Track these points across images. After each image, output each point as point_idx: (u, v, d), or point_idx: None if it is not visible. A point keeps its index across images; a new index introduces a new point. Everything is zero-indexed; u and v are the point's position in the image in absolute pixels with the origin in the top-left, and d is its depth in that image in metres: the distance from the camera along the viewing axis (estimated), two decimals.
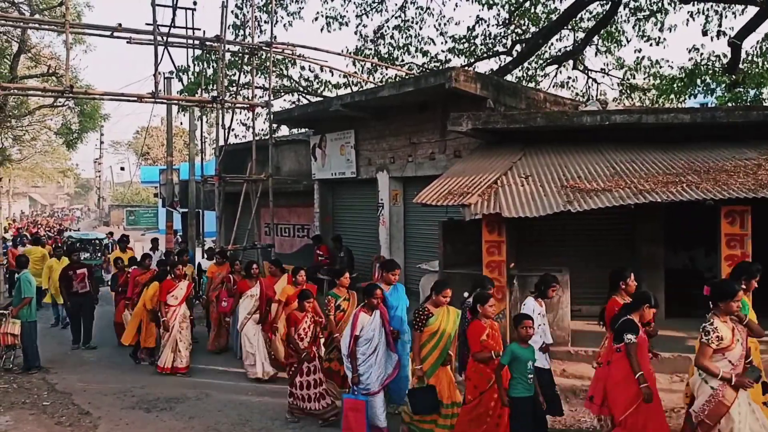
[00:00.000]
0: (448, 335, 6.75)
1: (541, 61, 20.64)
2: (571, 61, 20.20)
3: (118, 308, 12.03)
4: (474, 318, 6.53)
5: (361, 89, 17.38)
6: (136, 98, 13.46)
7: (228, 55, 15.62)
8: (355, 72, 19.92)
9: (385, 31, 20.14)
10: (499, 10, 19.49)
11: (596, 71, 21.17)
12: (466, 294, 7.34)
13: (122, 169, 67.79)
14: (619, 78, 20.76)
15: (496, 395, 6.17)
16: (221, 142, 15.49)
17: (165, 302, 10.16)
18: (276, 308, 9.71)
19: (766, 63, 16.80)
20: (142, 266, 11.78)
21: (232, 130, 16.31)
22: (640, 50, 28.50)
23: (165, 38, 13.33)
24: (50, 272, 13.67)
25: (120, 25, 12.91)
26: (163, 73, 17.76)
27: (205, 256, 14.59)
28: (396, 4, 20.04)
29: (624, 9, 18.53)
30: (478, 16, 19.55)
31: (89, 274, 12.42)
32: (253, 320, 9.93)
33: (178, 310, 10.22)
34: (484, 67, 24.96)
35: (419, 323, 6.76)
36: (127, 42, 13.32)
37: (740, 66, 16.16)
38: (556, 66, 20.63)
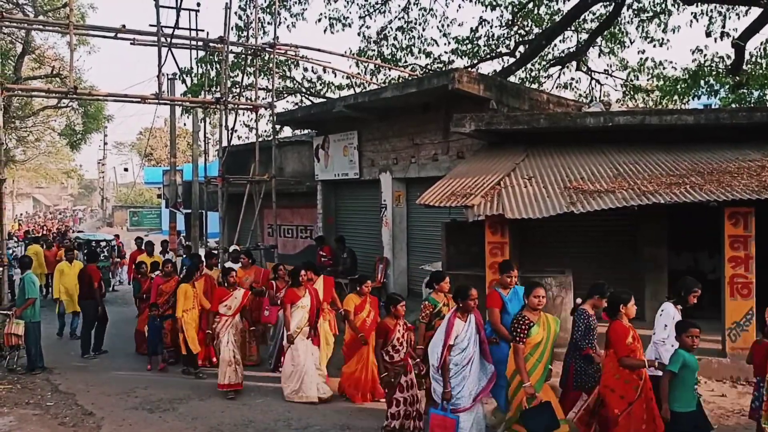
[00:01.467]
0: (551, 345, 6.24)
1: (544, 63, 20.62)
2: (574, 63, 20.17)
3: (142, 316, 11.44)
4: (614, 319, 5.96)
5: (364, 90, 17.38)
6: (139, 99, 13.47)
7: (231, 57, 15.63)
8: (358, 73, 19.93)
9: (389, 32, 20.16)
10: (502, 12, 19.49)
11: (600, 72, 21.15)
12: (578, 300, 6.89)
13: (126, 170, 68.01)
14: (622, 79, 20.75)
15: (645, 405, 5.64)
16: (224, 143, 15.50)
17: (216, 312, 9.32)
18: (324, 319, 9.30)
19: None
20: (165, 273, 11.09)
21: (235, 131, 16.33)
22: (643, 51, 28.43)
23: (169, 40, 13.35)
24: (61, 277, 12.86)
25: (124, 26, 12.93)
26: (167, 75, 17.83)
27: (229, 258, 13.21)
28: (399, 6, 20.08)
29: (627, 10, 18.51)
30: (481, 18, 19.49)
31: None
32: (302, 334, 8.81)
33: (230, 320, 9.29)
34: (487, 68, 25.00)
35: (521, 334, 6.11)
36: (131, 43, 13.34)
37: (744, 67, 16.12)
38: (560, 67, 20.60)
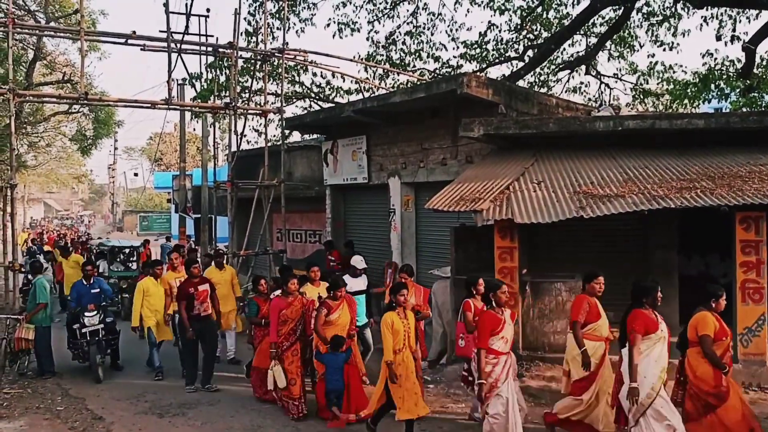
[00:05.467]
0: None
1: (553, 67, 20.58)
2: (583, 67, 20.13)
3: (262, 348, 8.96)
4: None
5: (372, 95, 17.40)
6: (149, 105, 13.53)
7: (240, 62, 15.69)
8: (367, 78, 19.96)
9: (397, 37, 20.18)
10: (511, 16, 19.49)
11: (609, 76, 21.10)
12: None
13: (136, 174, 68.36)
14: (632, 83, 20.70)
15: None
16: (234, 148, 15.55)
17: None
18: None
19: None
20: (285, 293, 8.56)
21: (245, 136, 16.41)
22: (653, 55, 28.48)
23: (178, 45, 13.42)
24: (146, 297, 10.58)
25: (134, 32, 12.99)
26: (177, 80, 17.93)
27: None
28: (408, 10, 20.07)
29: (637, 14, 18.46)
30: (489, 22, 19.46)
31: (212, 291, 9.93)
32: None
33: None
34: (496, 72, 24.86)
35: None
36: (141, 49, 13.40)
37: (755, 71, 16.04)
38: (569, 71, 20.57)
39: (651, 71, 19.54)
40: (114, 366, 10.88)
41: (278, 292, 9.01)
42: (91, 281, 10.80)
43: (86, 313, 10.31)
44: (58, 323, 11.92)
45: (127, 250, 18.08)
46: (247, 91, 17.16)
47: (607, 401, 6.74)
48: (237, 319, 11.42)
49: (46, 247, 24.71)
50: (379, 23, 20.01)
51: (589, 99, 21.00)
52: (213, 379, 9.67)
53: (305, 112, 19.96)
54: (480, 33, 19.84)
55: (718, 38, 16.42)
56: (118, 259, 17.69)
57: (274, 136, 18.45)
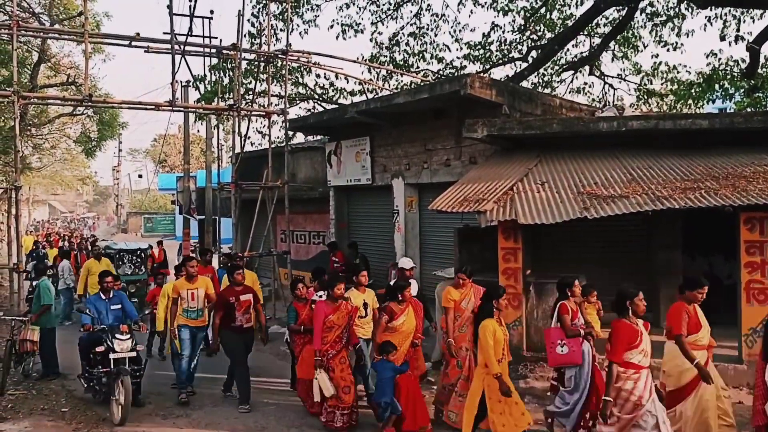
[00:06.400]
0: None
1: (557, 67, 20.57)
2: (587, 67, 20.11)
3: (304, 357, 8.25)
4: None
5: (376, 96, 17.41)
6: (153, 107, 13.57)
7: (244, 64, 15.73)
8: (371, 79, 19.97)
9: (401, 38, 20.19)
10: (514, 17, 19.47)
11: (613, 77, 21.07)
12: None
13: (140, 176, 68.46)
14: (636, 83, 20.65)
15: None
16: (237, 150, 15.57)
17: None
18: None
19: None
20: (331, 297, 7.72)
21: (248, 137, 16.38)
22: (657, 55, 28.45)
23: (182, 47, 13.45)
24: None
25: (138, 34, 13.04)
26: (181, 82, 17.92)
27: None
28: (411, 12, 20.06)
29: (641, 14, 18.42)
30: (493, 23, 19.45)
31: (255, 301, 9.11)
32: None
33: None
34: (500, 73, 24.87)
35: None
36: (145, 51, 13.44)
37: (759, 71, 15.99)
38: (572, 72, 20.56)
39: (655, 71, 19.51)
40: (134, 402, 8.39)
41: (321, 294, 8.39)
42: (111, 295, 9.10)
43: (118, 335, 8.44)
44: (68, 325, 11.53)
45: (135, 253, 17.47)
46: (250, 92, 17.19)
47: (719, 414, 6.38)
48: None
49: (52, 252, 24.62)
50: (383, 24, 20.03)
51: (593, 99, 21.00)
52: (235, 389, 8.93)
53: (309, 113, 19.97)
54: (483, 34, 19.92)
55: (722, 38, 16.37)
56: (126, 262, 17.19)
57: (278, 137, 18.55)
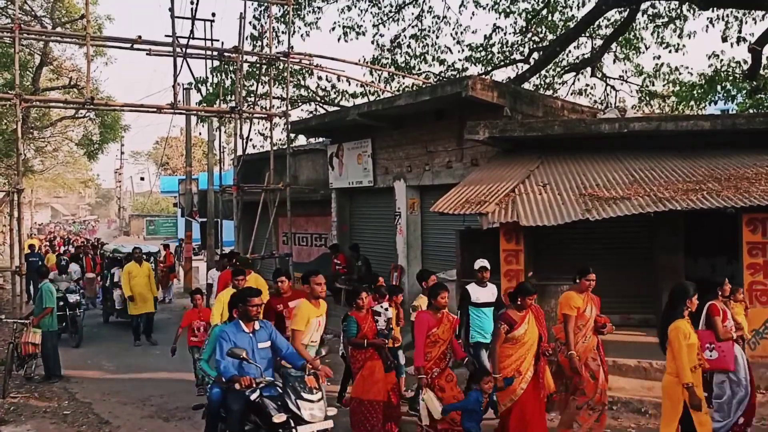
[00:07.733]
0: None
1: (558, 69, 20.54)
2: (589, 69, 20.08)
3: (363, 374, 7.22)
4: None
5: (378, 98, 17.41)
6: (155, 109, 13.60)
7: (246, 66, 15.74)
8: (372, 81, 19.96)
9: (402, 40, 20.18)
10: (516, 18, 19.45)
11: (615, 78, 21.04)
12: None
13: (142, 179, 68.45)
14: (637, 85, 20.62)
15: None
16: (239, 152, 15.61)
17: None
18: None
19: None
20: (432, 308, 6.83)
21: (250, 140, 16.47)
22: (659, 57, 28.14)
23: (184, 50, 13.47)
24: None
25: (140, 37, 13.05)
26: (182, 84, 17.97)
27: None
28: (413, 14, 20.02)
29: (642, 16, 18.40)
30: (495, 25, 19.38)
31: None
32: None
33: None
34: (501, 75, 24.89)
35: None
36: (147, 54, 13.48)
37: (761, 72, 15.96)
38: (574, 73, 20.53)
39: (657, 73, 19.49)
40: None
41: (422, 303, 7.87)
42: (256, 327, 5.93)
43: (305, 395, 5.57)
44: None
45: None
46: (252, 95, 17.22)
47: None
48: None
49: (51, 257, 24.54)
50: (385, 26, 19.98)
51: (595, 101, 20.97)
52: None
53: (310, 115, 19.98)
54: (485, 36, 19.83)
55: (724, 39, 16.35)
56: None
57: (280, 139, 18.56)
